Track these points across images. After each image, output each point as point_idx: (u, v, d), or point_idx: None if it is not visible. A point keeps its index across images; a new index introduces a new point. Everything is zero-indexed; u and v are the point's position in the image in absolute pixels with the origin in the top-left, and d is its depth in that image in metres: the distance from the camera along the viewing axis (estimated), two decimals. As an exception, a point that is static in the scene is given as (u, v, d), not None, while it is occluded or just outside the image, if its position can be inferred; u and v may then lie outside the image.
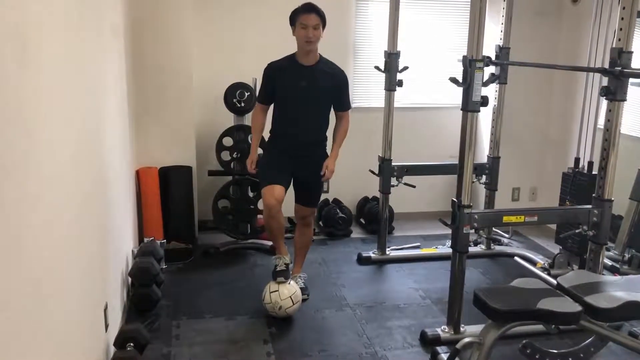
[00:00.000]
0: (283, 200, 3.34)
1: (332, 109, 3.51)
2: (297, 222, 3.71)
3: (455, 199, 3.01)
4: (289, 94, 3.40)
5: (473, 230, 3.11)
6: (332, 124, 3.55)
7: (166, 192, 4.27)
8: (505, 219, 3.18)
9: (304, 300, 3.50)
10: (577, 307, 2.46)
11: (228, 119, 4.43)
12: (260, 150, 3.62)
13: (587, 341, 2.87)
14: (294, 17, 3.33)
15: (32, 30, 1.56)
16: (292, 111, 3.42)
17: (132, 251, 3.72)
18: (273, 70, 3.43)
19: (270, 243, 4.38)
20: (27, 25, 1.52)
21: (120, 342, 2.69)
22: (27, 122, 1.51)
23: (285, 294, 3.32)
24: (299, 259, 3.73)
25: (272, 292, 3.33)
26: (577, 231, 3.29)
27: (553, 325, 2.51)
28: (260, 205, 4.28)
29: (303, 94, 3.36)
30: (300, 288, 3.55)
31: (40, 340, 1.60)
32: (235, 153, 4.35)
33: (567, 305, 2.47)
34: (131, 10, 4.00)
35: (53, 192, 1.78)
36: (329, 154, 3.51)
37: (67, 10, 2.03)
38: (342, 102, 3.50)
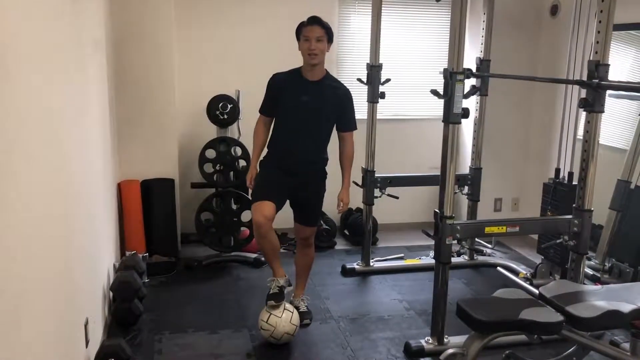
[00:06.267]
0: (273, 218, 3.14)
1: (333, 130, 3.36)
2: (298, 242, 3.56)
3: (437, 210, 3.02)
4: (291, 109, 3.24)
5: (456, 241, 3.12)
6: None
7: (148, 205, 4.23)
8: (488, 229, 3.21)
9: (306, 325, 3.44)
10: (559, 317, 2.48)
11: (211, 131, 4.41)
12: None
13: (569, 350, 2.89)
14: (299, 31, 3.20)
15: (10, 45, 1.55)
16: (292, 127, 3.26)
17: (114, 265, 3.67)
18: (276, 82, 3.29)
19: (254, 255, 4.37)
20: (5, 39, 1.51)
21: (102, 357, 2.65)
22: (5, 137, 1.49)
23: (286, 320, 3.18)
24: (301, 281, 3.57)
25: (272, 316, 3.17)
26: (558, 241, 3.33)
27: (535, 335, 2.52)
28: (244, 217, 4.28)
29: (305, 110, 3.21)
30: (303, 312, 3.48)
31: (17, 358, 1.57)
32: (218, 165, 4.33)
33: (548, 315, 2.49)
34: (114, 24, 3.98)
35: (30, 205, 1.76)
36: (327, 172, 3.38)
37: (45, 25, 2.01)
38: (346, 120, 3.33)
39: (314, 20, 3.18)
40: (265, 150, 3.39)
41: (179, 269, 4.22)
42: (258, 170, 3.35)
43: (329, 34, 3.19)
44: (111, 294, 3.41)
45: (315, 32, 3.15)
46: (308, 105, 3.21)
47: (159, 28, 4.23)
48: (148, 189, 4.24)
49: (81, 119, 2.72)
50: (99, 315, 3.07)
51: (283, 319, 3.14)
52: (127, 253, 3.87)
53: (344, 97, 3.30)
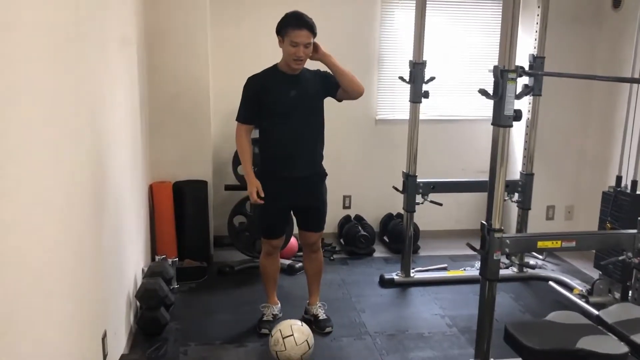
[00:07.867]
0: (282, 242, 3.44)
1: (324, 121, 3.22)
2: (304, 249, 3.42)
3: (485, 222, 2.75)
4: (281, 108, 3.09)
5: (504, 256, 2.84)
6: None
7: (180, 207, 4.11)
8: (540, 244, 2.90)
9: (328, 333, 3.29)
10: (624, 348, 2.20)
11: (245, 132, 4.25)
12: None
13: (633, 383, 2.58)
14: (283, 29, 3.00)
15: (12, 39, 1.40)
16: (286, 126, 3.10)
17: (142, 270, 3.56)
18: (257, 85, 3.10)
19: (287, 262, 4.19)
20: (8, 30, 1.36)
21: (120, 372, 2.51)
22: (26, 135, 1.35)
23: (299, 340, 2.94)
24: (314, 288, 3.45)
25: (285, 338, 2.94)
26: (620, 258, 3.00)
27: (595, 367, 2.24)
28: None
29: (296, 105, 3.08)
30: (323, 319, 3.34)
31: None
32: (253, 167, 4.15)
33: (611, 346, 2.21)
34: (146, 20, 3.87)
35: (45, 212, 1.64)
36: (327, 172, 3.25)
37: (56, 24, 1.86)
38: (336, 81, 3.12)
39: (304, 24, 2.97)
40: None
41: (210, 274, 4.07)
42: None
43: (315, 33, 3.01)
44: (137, 301, 3.28)
45: (305, 37, 2.97)
46: (298, 99, 3.08)
47: (193, 26, 4.10)
48: (180, 191, 4.12)
49: (105, 119, 2.58)
50: (122, 325, 2.94)
51: (288, 349, 2.90)
52: (157, 257, 3.75)
53: (322, 73, 3.17)
